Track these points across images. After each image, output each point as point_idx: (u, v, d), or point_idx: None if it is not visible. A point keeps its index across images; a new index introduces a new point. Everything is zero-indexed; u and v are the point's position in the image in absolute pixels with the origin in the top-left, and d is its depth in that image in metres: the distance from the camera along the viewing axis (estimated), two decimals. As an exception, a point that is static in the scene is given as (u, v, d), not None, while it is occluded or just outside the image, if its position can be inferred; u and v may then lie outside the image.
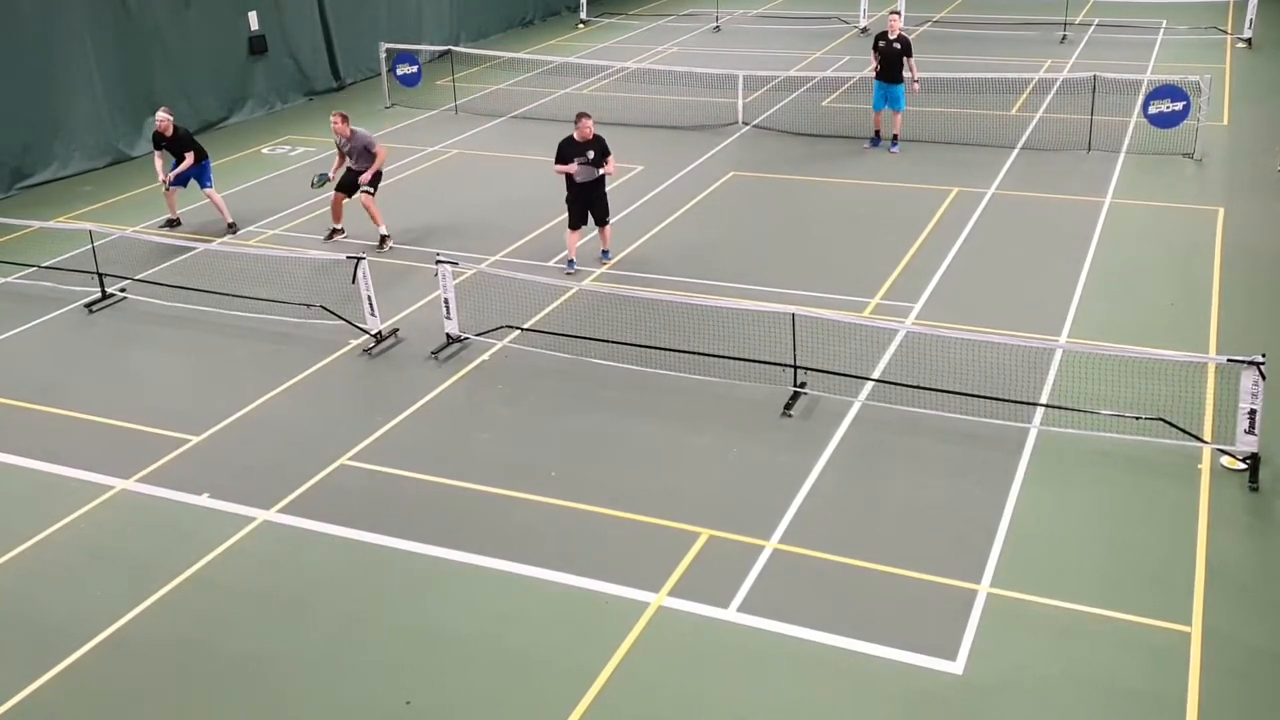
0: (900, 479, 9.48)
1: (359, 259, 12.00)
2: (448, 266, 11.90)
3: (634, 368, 11.42)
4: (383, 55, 23.06)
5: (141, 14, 20.39)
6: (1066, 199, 15.95)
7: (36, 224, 15.41)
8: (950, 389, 10.40)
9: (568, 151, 13.50)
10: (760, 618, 7.89)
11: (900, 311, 12.52)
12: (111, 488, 9.83)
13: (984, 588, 8.09)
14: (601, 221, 14.01)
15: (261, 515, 9.33)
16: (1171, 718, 6.93)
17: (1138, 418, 9.85)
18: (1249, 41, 25.35)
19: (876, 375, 10.97)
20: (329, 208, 15.57)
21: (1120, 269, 13.47)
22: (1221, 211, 15.17)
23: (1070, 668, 7.34)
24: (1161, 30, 27.57)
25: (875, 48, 18.33)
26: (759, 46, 27.45)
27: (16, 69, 18.23)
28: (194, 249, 14.91)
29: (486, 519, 9.20)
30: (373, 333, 12.20)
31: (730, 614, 7.94)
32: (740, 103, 20.40)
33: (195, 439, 10.56)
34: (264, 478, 9.84)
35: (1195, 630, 7.61)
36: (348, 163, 15.11)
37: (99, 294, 13.73)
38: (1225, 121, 19.47)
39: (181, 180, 15.89)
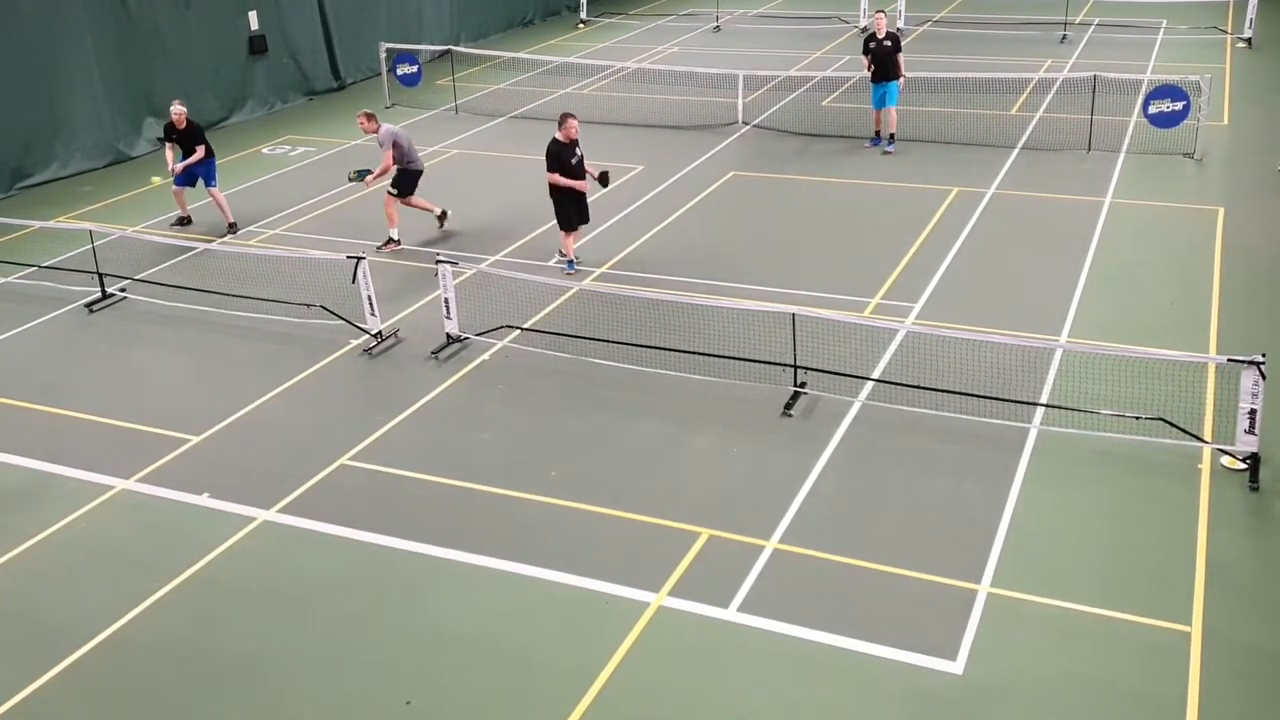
0: (900, 479, 9.47)
1: (359, 259, 12.00)
2: (448, 266, 11.91)
3: (634, 368, 11.43)
4: (383, 55, 23.06)
5: (141, 14, 20.40)
6: (1067, 199, 15.95)
7: (37, 224, 15.41)
8: (950, 389, 10.41)
9: (559, 153, 13.46)
10: (760, 618, 7.89)
11: (900, 311, 12.52)
12: (111, 488, 9.84)
13: (984, 588, 8.09)
14: (584, 221, 13.98)
15: (261, 515, 9.34)
16: (1171, 718, 6.93)
17: (1138, 418, 9.85)
18: (1249, 41, 25.34)
19: (876, 375, 10.97)
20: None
21: (1120, 269, 13.47)
22: (1221, 211, 15.17)
23: (1070, 668, 7.34)
24: (1161, 30, 27.57)
25: (866, 50, 18.33)
26: (759, 46, 27.45)
27: (16, 69, 18.24)
28: (194, 249, 14.92)
29: (486, 519, 9.20)
30: (373, 333, 12.20)
31: (730, 614, 7.94)
32: (740, 103, 20.40)
33: (195, 439, 10.56)
34: (264, 478, 9.84)
35: (1195, 630, 7.61)
36: (401, 163, 14.91)
37: (99, 294, 13.73)
38: (1225, 121, 19.47)
39: (188, 179, 15.90)
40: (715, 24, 30.59)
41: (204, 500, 9.59)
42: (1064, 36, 27.05)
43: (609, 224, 15.53)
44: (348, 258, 12.18)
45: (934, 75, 20.63)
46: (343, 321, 12.39)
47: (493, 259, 14.41)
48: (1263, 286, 12.92)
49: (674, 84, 22.87)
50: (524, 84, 24.22)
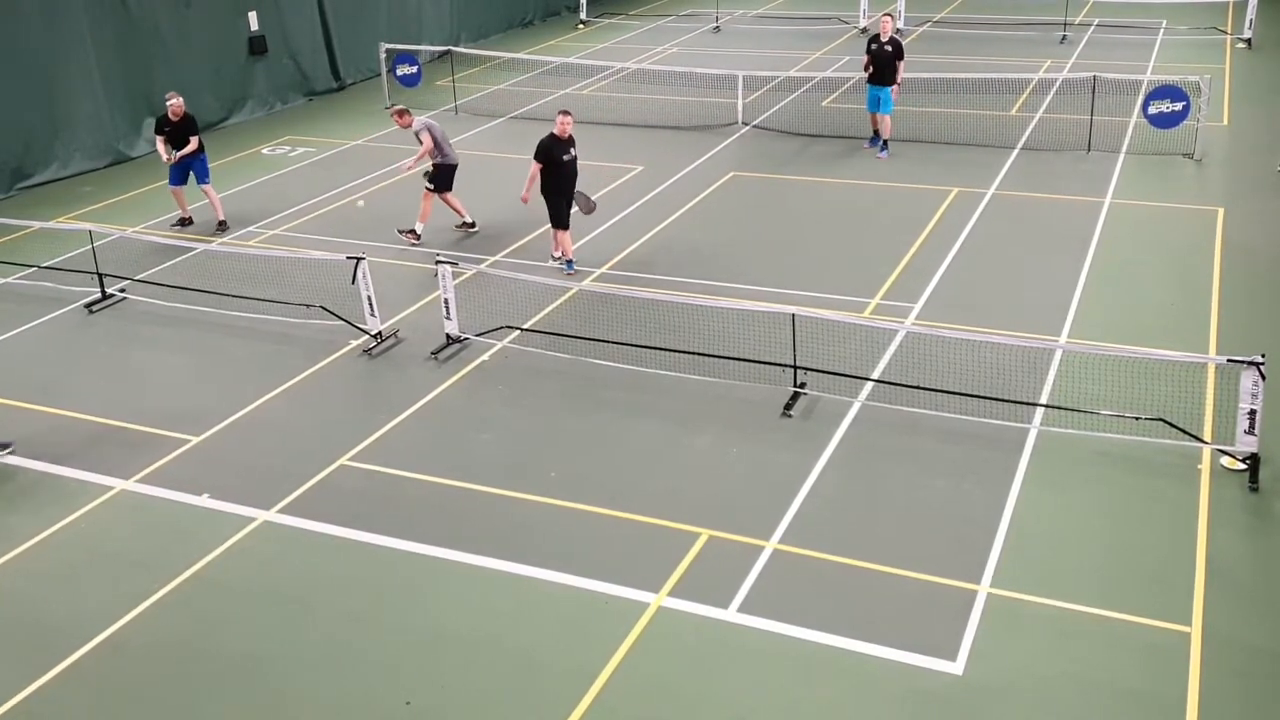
0: (900, 479, 9.48)
1: (359, 259, 12.00)
2: (447, 267, 11.91)
3: (634, 368, 11.42)
4: (382, 55, 23.07)
5: (141, 14, 20.40)
6: (1066, 199, 15.95)
7: (36, 224, 15.41)
8: (950, 389, 10.41)
9: (549, 148, 13.44)
10: (760, 618, 7.89)
11: (900, 312, 12.52)
12: (111, 488, 9.84)
13: (984, 588, 8.09)
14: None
15: (261, 515, 9.34)
16: (1171, 718, 6.93)
17: (1137, 418, 9.85)
18: (1249, 42, 25.34)
19: (876, 375, 10.97)
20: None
21: (1120, 269, 13.47)
22: (1221, 211, 15.17)
23: (1070, 668, 7.34)
24: (1161, 30, 27.58)
25: (868, 49, 18.37)
26: (759, 47, 27.45)
27: (17, 69, 18.23)
28: (194, 249, 14.92)
29: (486, 519, 9.20)
30: (373, 333, 12.20)
31: (730, 614, 7.95)
32: (740, 103, 20.40)
33: (195, 439, 10.56)
34: (264, 478, 9.84)
35: (1195, 630, 7.61)
36: (435, 157, 14.95)
37: (99, 294, 13.73)
38: (1225, 122, 19.47)
39: (182, 175, 15.88)
40: (715, 24, 30.59)
41: (204, 500, 9.59)
42: (1064, 37, 27.05)
43: (609, 224, 15.53)
44: (347, 258, 12.18)
45: (934, 76, 20.62)
46: (342, 322, 12.39)
47: (492, 259, 14.41)
48: (1263, 286, 12.92)
49: (674, 84, 22.87)
50: (524, 84, 24.22)
